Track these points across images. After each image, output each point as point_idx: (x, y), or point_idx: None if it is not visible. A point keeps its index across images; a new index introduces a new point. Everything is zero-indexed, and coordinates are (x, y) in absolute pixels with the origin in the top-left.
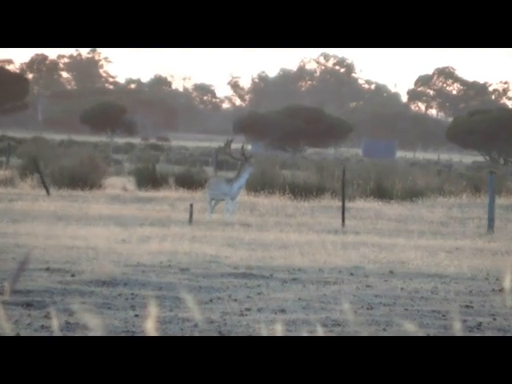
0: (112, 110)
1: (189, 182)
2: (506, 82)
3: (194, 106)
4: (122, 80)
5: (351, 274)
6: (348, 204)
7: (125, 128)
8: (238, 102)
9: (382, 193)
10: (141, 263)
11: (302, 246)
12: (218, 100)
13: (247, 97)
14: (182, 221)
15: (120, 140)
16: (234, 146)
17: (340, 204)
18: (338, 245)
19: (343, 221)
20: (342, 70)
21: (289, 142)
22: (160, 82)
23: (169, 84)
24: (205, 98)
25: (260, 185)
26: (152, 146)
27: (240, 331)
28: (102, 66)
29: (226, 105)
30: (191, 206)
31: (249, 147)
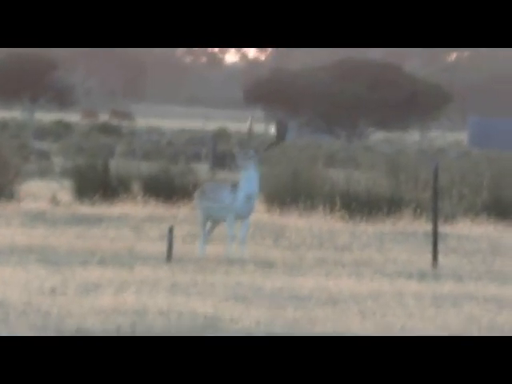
0: (33, 66)
1: (166, 191)
2: None
3: (177, 59)
4: None
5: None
6: (443, 228)
7: (54, 96)
8: (251, 52)
9: (502, 209)
10: (84, 329)
11: (363, 300)
12: (217, 50)
13: None
14: (154, 256)
15: (46, 116)
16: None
17: (429, 228)
18: (425, 299)
19: (435, 258)
20: None
21: (340, 120)
22: None
23: None
24: None
25: (291, 195)
26: (103, 127)
27: None
28: None
29: (231, 57)
30: (170, 230)
31: (271, 129)
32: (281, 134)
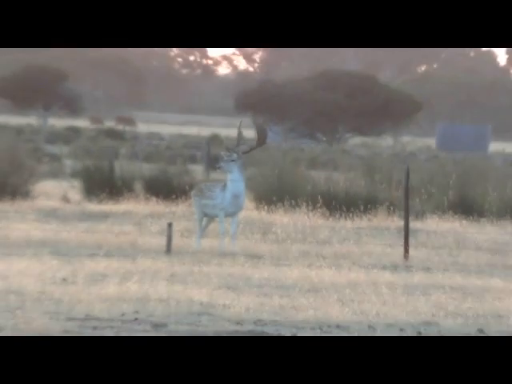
0: (45, 77)
1: (165, 190)
2: None
3: (175, 71)
4: None
5: (419, 334)
6: (414, 224)
7: (65, 104)
8: (242, 64)
9: (467, 207)
10: (91, 315)
11: (342, 289)
12: (211, 62)
13: (257, 56)
14: (154, 249)
15: (58, 122)
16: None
17: (401, 224)
18: (397, 288)
19: (406, 250)
20: None
21: (322, 126)
22: None
23: None
24: (191, 58)
25: (277, 194)
26: (108, 132)
27: None
28: None
29: (223, 69)
30: (169, 226)
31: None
32: (262, 138)
